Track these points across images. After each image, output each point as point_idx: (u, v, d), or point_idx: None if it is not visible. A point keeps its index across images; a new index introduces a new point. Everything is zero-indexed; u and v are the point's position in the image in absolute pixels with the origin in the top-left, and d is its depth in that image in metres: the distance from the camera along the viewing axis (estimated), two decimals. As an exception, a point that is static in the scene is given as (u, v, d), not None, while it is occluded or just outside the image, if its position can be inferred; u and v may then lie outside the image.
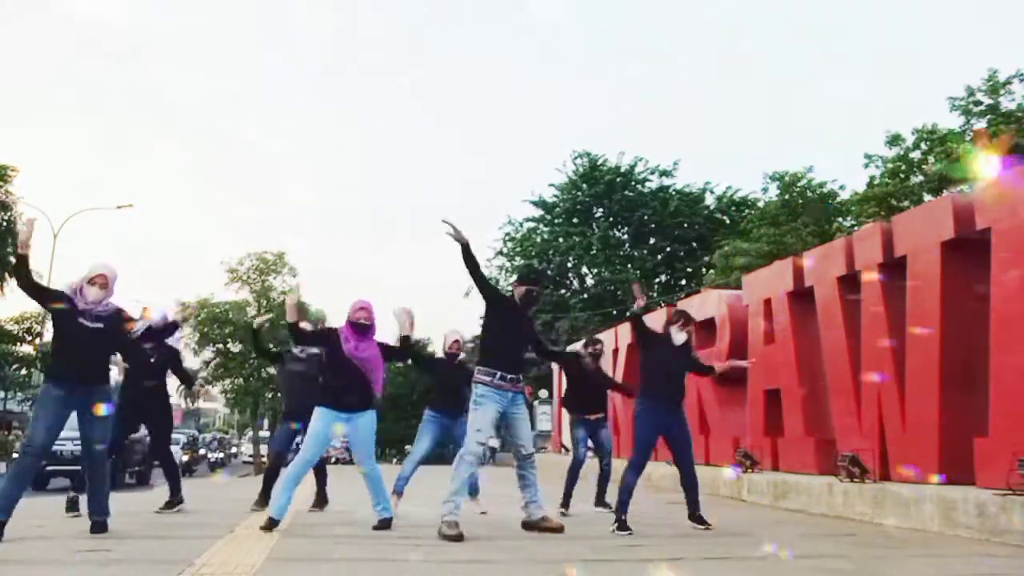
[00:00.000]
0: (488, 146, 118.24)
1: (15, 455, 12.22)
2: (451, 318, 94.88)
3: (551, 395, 24.15)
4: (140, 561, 4.09)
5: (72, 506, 6.27)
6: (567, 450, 12.07)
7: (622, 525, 5.56)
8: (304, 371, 6.72)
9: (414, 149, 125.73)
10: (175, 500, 6.67)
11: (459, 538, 4.90)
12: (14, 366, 27.08)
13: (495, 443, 25.35)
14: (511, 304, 5.46)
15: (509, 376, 5.23)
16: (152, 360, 6.53)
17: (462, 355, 7.09)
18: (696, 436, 11.36)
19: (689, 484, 5.92)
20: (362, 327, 5.41)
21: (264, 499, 6.66)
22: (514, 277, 36.21)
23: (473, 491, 6.73)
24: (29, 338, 27.20)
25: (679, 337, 5.95)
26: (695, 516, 5.88)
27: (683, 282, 32.69)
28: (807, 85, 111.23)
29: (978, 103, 21.10)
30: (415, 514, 7.04)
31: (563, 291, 33.48)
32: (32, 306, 27.20)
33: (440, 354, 7.23)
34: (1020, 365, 5.99)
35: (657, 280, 33.71)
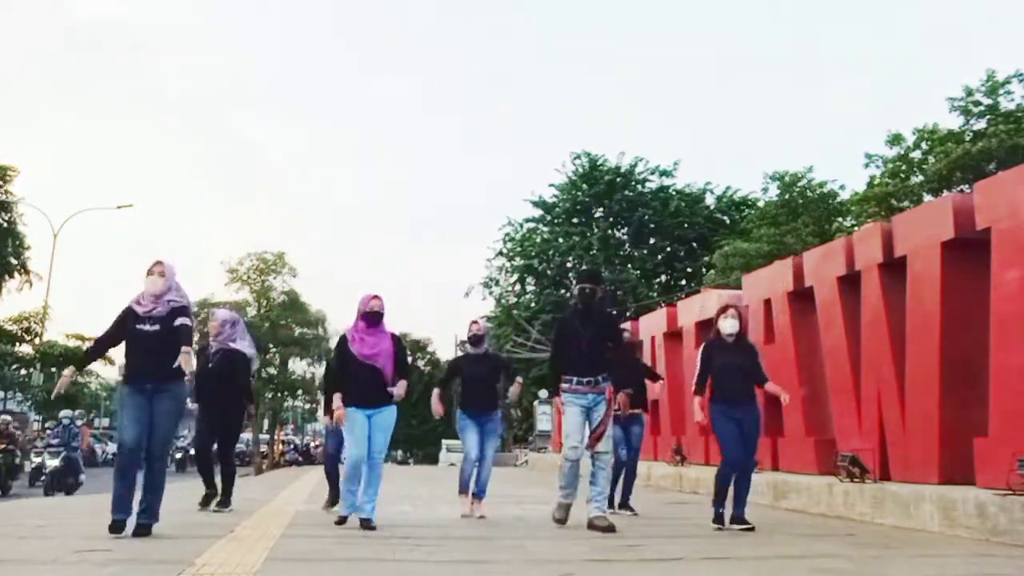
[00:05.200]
0: (488, 146, 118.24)
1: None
2: (451, 318, 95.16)
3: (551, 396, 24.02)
4: (140, 561, 4.08)
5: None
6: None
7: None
8: None
9: (414, 149, 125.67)
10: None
11: (561, 521, 5.71)
12: (14, 366, 27.03)
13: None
14: (575, 315, 5.86)
15: (585, 380, 5.69)
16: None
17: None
18: (696, 436, 11.38)
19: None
20: (375, 315, 5.62)
21: (333, 498, 6.88)
22: (514, 277, 36.02)
23: (464, 489, 6.72)
24: (28, 338, 27.18)
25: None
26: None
27: (683, 282, 32.69)
28: (807, 85, 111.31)
29: (977, 103, 21.11)
30: (414, 514, 7.04)
31: (563, 291, 33.49)
32: (32, 306, 27.29)
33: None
34: (1020, 365, 5.98)
35: (657, 280, 33.73)
